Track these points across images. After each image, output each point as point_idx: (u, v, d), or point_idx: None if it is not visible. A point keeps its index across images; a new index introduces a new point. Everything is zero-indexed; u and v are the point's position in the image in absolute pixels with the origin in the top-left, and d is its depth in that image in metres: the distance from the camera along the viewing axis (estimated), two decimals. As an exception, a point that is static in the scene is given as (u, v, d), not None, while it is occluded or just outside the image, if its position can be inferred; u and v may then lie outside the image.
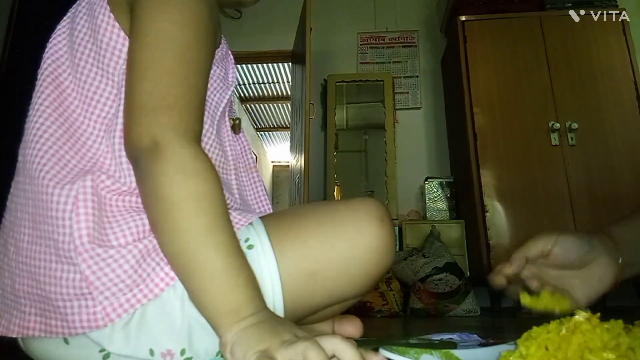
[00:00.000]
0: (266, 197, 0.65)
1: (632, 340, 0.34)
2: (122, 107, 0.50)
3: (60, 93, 0.53)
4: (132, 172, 0.48)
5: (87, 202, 0.47)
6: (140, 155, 0.45)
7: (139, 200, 0.48)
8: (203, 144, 0.54)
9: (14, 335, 0.49)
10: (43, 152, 0.49)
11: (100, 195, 0.48)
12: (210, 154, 0.55)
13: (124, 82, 0.50)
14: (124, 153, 0.49)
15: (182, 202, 0.42)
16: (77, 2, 0.57)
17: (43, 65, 0.54)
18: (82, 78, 0.52)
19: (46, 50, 0.55)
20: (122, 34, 0.51)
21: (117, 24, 0.52)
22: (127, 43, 0.51)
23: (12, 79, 2.43)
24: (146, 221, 0.48)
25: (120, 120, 0.50)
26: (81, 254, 0.45)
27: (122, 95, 0.50)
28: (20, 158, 0.53)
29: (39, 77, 0.54)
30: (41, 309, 0.48)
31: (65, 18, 0.57)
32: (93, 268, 0.45)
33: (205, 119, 0.55)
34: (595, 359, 0.33)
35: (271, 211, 0.64)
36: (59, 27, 0.57)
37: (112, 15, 0.52)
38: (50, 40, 0.56)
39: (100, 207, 0.48)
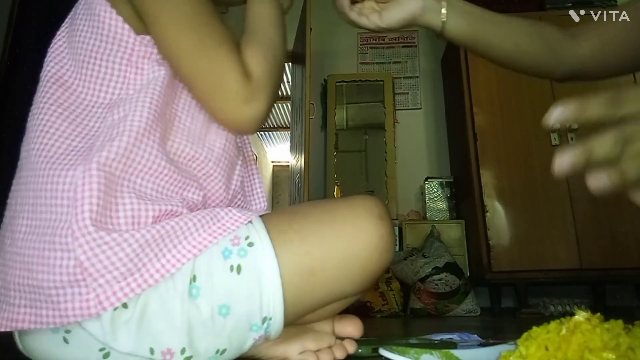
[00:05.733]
0: (262, 191, 0.69)
1: (632, 340, 0.34)
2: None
3: (64, 91, 0.56)
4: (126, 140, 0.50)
5: (92, 184, 0.47)
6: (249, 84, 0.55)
7: (143, 184, 0.51)
8: (225, 134, 0.60)
9: (1, 329, 0.48)
10: (50, 145, 0.51)
11: (106, 178, 0.49)
12: (227, 142, 0.60)
13: (130, 69, 0.55)
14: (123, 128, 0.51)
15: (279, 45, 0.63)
16: (74, 8, 0.61)
17: (46, 68, 0.57)
18: (87, 73, 0.56)
19: (47, 55, 0.59)
20: (127, 25, 0.55)
21: (120, 18, 0.55)
22: (132, 34, 0.55)
23: (12, 79, 2.43)
24: (147, 211, 0.49)
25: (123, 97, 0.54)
26: (78, 239, 0.45)
27: (129, 79, 0.55)
28: (23, 154, 0.54)
29: (41, 79, 0.57)
30: (32, 300, 0.47)
31: (63, 24, 0.61)
32: (88, 254, 0.45)
33: None
34: (595, 359, 0.33)
35: (265, 203, 0.68)
36: (58, 33, 0.61)
37: (113, 10, 0.55)
38: (51, 45, 0.59)
39: (106, 191, 0.48)
